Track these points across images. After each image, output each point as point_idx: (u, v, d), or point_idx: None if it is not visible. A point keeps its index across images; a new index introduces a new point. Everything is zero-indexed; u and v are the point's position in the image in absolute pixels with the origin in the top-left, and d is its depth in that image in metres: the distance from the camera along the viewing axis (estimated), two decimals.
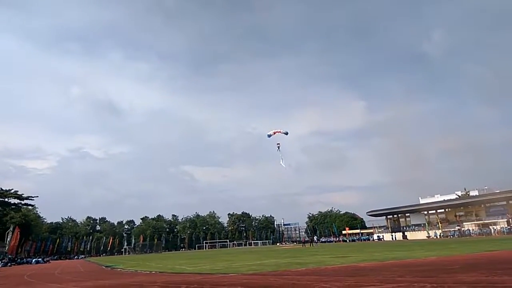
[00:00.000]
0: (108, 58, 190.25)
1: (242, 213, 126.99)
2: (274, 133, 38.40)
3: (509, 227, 62.08)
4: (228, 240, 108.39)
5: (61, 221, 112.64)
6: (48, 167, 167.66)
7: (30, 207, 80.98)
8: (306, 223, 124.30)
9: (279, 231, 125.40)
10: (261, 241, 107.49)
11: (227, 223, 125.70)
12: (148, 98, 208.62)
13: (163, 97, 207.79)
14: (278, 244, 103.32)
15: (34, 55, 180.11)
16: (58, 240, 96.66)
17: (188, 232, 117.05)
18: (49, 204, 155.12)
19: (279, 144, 39.00)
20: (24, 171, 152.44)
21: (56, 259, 76.02)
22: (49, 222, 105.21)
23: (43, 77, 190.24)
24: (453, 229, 70.21)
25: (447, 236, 66.94)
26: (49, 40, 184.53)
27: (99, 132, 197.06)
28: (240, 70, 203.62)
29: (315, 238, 71.90)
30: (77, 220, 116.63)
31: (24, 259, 58.59)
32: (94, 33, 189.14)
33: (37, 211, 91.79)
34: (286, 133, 39.37)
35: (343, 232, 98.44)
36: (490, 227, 65.18)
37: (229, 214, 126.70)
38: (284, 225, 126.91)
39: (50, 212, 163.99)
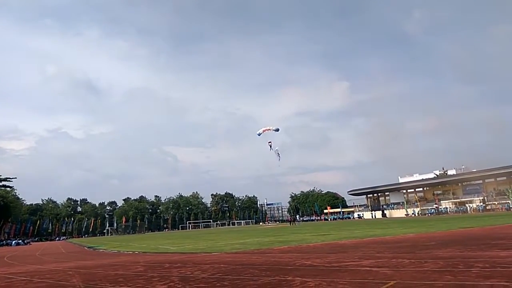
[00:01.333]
0: (86, 35, 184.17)
1: (226, 193, 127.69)
2: (264, 131, 37.89)
3: (484, 205, 64.26)
4: (211, 220, 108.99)
5: (41, 203, 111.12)
6: (26, 147, 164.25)
7: (8, 188, 79.29)
8: (289, 202, 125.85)
9: (262, 211, 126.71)
10: (244, 221, 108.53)
11: (210, 203, 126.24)
12: (128, 76, 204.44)
13: (143, 76, 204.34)
14: (261, 223, 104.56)
15: (8, 32, 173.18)
16: (38, 221, 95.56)
17: (171, 212, 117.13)
18: (28, 185, 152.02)
19: (270, 142, 38.50)
20: (1, 152, 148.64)
21: (37, 241, 75.28)
22: (28, 203, 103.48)
23: (19, 54, 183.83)
24: (431, 207, 72.24)
25: (425, 214, 68.90)
26: (24, 16, 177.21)
27: (78, 112, 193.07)
28: (222, 48, 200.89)
29: (297, 217, 73.26)
30: (57, 202, 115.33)
31: (4, 241, 57.80)
32: (71, 8, 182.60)
33: (16, 192, 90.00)
34: (277, 130, 38.80)
35: (325, 211, 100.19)
36: (466, 205, 67.32)
37: (212, 194, 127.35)
38: (267, 205, 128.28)
39: (30, 193, 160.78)
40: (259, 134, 38.24)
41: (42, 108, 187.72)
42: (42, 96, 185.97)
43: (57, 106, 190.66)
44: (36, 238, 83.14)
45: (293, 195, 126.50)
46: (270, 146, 38.54)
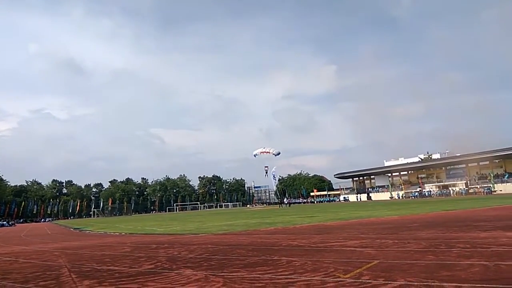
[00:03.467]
0: (69, 13, 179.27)
1: (213, 176, 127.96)
2: (261, 152, 35.47)
3: (467, 188, 65.72)
4: (199, 203, 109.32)
5: (26, 184, 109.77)
6: (8, 128, 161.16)
7: None
8: (276, 185, 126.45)
9: (250, 193, 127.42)
10: (231, 203, 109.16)
11: (197, 186, 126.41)
12: (113, 57, 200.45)
13: (129, 57, 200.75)
14: (248, 206, 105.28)
15: None
16: (23, 203, 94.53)
17: (159, 195, 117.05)
18: (12, 166, 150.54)
19: (267, 167, 36.41)
20: None
21: (22, 222, 74.68)
22: (13, 185, 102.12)
23: (0, 33, 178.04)
24: (415, 190, 73.60)
25: (409, 197, 70.20)
26: None
27: (62, 92, 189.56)
28: (211, 30, 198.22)
29: (285, 199, 74.12)
30: (42, 183, 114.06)
31: None
32: None
33: None
34: (278, 154, 36.44)
35: (311, 194, 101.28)
36: (450, 188, 68.75)
37: (199, 177, 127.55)
38: (254, 187, 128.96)
39: (14, 175, 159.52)
40: (255, 155, 36.14)
41: (25, 88, 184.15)
42: (25, 76, 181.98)
43: (40, 86, 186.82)
44: (21, 220, 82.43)
45: (280, 178, 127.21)
46: (266, 172, 36.47)
